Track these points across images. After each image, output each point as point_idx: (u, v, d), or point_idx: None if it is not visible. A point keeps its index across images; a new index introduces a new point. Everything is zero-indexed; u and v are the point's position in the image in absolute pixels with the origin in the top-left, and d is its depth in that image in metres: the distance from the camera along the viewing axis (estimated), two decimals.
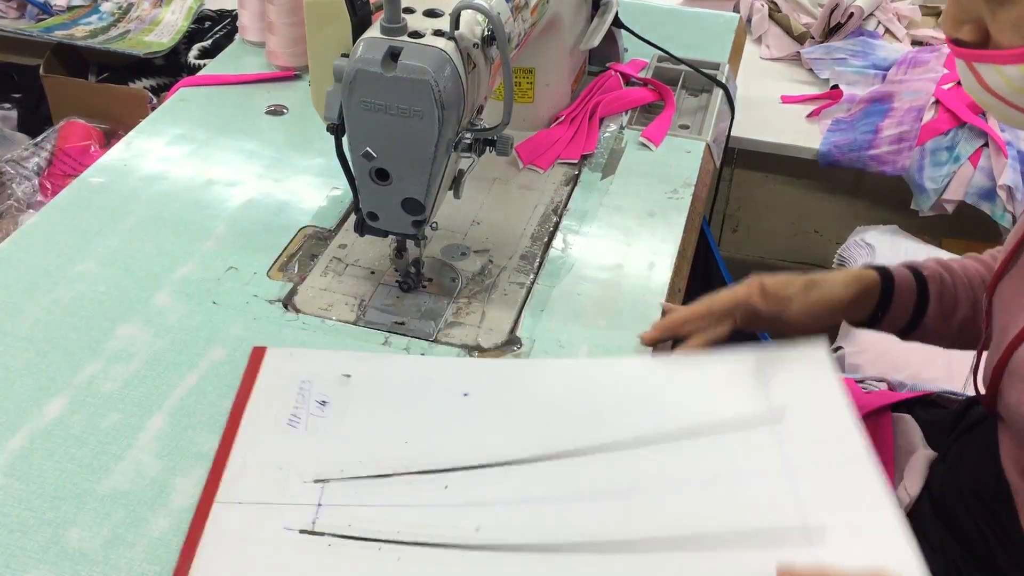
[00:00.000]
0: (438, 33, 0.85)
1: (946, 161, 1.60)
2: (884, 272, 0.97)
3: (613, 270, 1.06)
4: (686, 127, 1.32)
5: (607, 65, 1.40)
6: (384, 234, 0.97)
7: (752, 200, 1.92)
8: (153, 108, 1.73)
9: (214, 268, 1.04)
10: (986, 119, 1.64)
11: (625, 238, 1.11)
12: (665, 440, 0.83)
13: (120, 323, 0.96)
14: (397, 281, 1.02)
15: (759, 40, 1.92)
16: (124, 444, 0.84)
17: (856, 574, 0.69)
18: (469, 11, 0.87)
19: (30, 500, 0.79)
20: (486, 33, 0.89)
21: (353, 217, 0.99)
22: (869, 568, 0.69)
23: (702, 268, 1.53)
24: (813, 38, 1.87)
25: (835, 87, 1.76)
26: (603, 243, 1.10)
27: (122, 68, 1.93)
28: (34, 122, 2.04)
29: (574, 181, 1.20)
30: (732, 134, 1.44)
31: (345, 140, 0.91)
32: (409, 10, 0.88)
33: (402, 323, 0.98)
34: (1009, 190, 1.57)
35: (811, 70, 1.84)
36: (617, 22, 1.39)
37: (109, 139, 1.83)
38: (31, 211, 1.71)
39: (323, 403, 0.87)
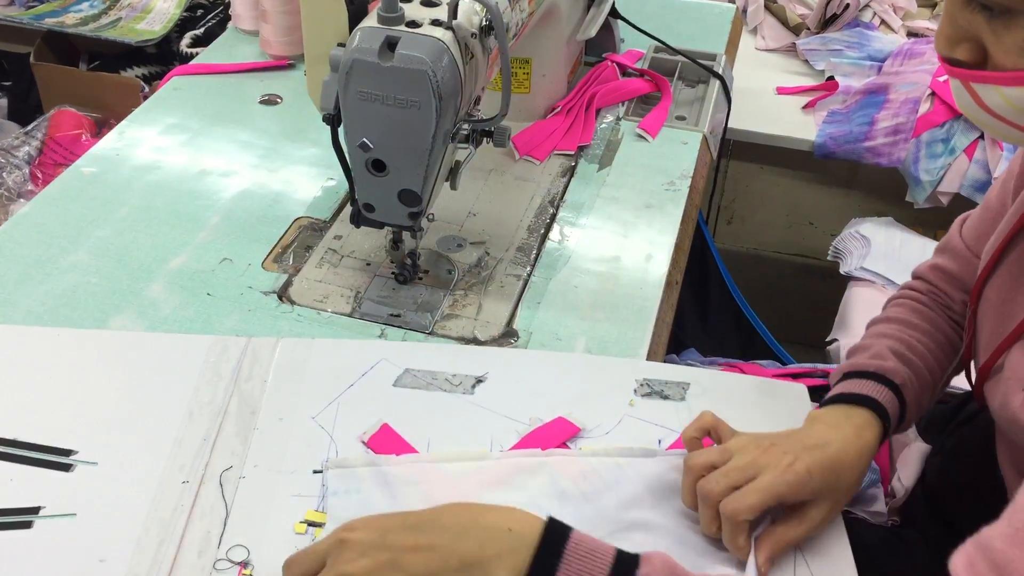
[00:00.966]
0: (436, 23, 0.85)
1: (941, 153, 1.59)
2: (881, 412, 0.86)
3: (610, 262, 1.06)
4: (683, 118, 1.31)
5: (604, 56, 1.40)
6: (380, 225, 0.96)
7: (747, 192, 1.91)
8: (145, 97, 1.72)
9: (208, 259, 1.03)
10: None
11: (622, 230, 1.11)
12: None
13: (113, 314, 0.95)
14: (393, 273, 1.02)
15: (755, 31, 1.92)
16: None
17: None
18: (467, 0, 0.86)
19: None
20: (484, 23, 0.89)
21: (348, 208, 0.98)
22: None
23: (698, 260, 1.53)
24: (809, 29, 1.87)
25: (831, 78, 1.75)
26: (600, 235, 1.10)
27: (113, 56, 1.91)
28: (25, 110, 2.02)
29: (571, 172, 1.20)
30: (728, 125, 1.43)
31: (341, 130, 0.90)
32: None
33: (398, 315, 0.98)
34: None
35: (807, 61, 1.83)
36: (614, 12, 1.38)
37: (100, 128, 1.82)
38: (22, 200, 1.69)
39: None
